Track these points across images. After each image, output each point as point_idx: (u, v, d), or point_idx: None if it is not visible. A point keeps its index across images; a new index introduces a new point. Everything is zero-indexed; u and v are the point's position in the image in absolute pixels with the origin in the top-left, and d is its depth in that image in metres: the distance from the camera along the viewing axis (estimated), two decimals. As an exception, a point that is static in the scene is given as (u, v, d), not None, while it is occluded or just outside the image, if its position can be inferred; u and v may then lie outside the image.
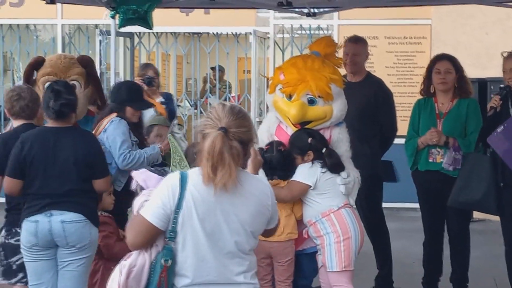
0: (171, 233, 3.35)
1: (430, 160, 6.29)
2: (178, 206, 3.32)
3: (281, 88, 5.48)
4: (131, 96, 5.95)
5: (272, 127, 5.63)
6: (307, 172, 5.31)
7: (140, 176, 3.84)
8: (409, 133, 6.47)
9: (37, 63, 6.04)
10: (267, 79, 5.77)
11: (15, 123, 5.49)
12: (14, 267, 5.40)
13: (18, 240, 5.25)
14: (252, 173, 3.68)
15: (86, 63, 6.10)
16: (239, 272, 3.38)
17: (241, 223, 3.35)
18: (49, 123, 5.18)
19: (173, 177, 3.39)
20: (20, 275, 5.38)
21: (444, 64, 6.36)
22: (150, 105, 6.45)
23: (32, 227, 5.01)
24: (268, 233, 3.60)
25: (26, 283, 5.34)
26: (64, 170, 5.07)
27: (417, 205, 6.60)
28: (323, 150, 5.32)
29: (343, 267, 5.20)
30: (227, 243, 3.35)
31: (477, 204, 6.01)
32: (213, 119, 3.37)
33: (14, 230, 5.34)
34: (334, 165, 5.33)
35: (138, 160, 5.70)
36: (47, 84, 5.51)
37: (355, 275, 5.34)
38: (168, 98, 8.17)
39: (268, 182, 3.62)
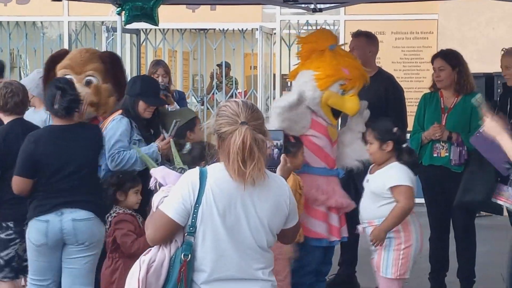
0: (191, 228, 3.36)
1: (435, 155, 6.29)
2: (198, 201, 3.34)
3: (342, 84, 5.58)
4: (144, 90, 5.78)
5: (305, 120, 5.62)
6: (407, 175, 5.07)
7: (159, 173, 3.85)
8: (414, 127, 6.49)
9: (59, 56, 6.04)
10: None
11: (5, 119, 5.48)
12: (1, 262, 5.40)
13: (8, 235, 5.28)
14: None
15: (107, 59, 6.06)
16: (258, 268, 3.39)
17: (260, 218, 3.37)
18: (56, 121, 5.18)
19: (192, 173, 3.41)
20: (7, 270, 5.38)
21: (437, 62, 6.41)
22: (164, 102, 6.30)
23: (42, 227, 5.01)
24: (287, 236, 3.58)
25: (11, 278, 5.38)
26: (77, 168, 5.08)
27: (422, 200, 6.60)
28: (404, 145, 5.20)
29: (398, 275, 5.08)
30: (247, 238, 3.36)
31: (482, 204, 6.00)
32: (230, 115, 3.38)
33: (4, 225, 5.36)
34: (413, 165, 5.17)
35: (128, 161, 5.56)
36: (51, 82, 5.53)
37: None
38: (181, 97, 8.11)
39: (284, 179, 3.60)
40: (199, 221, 3.35)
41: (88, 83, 5.86)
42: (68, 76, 5.71)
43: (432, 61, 6.47)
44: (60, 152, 5.07)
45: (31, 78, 6.72)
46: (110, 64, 6.04)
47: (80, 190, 5.06)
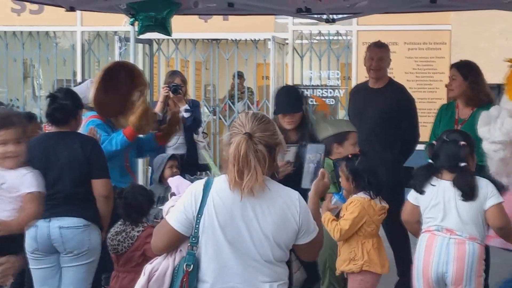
0: (193, 239, 3.37)
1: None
2: (200, 212, 3.35)
3: None
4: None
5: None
6: None
7: (174, 183, 3.89)
8: (431, 138, 6.46)
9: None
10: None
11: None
12: None
13: None
14: (314, 198, 3.72)
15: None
16: (264, 281, 3.37)
17: (263, 232, 3.34)
18: (50, 129, 5.24)
19: (198, 184, 3.43)
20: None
21: (451, 71, 6.44)
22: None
23: (32, 232, 5.01)
24: (303, 251, 3.55)
25: None
26: (63, 174, 5.10)
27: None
28: None
29: None
30: (251, 251, 3.35)
31: None
32: (238, 126, 3.40)
33: None
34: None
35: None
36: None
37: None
38: (194, 105, 8.14)
39: (297, 193, 3.51)
40: (201, 231, 3.36)
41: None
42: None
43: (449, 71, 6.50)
44: (45, 158, 5.10)
45: (84, 86, 6.81)
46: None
47: (69, 198, 5.07)
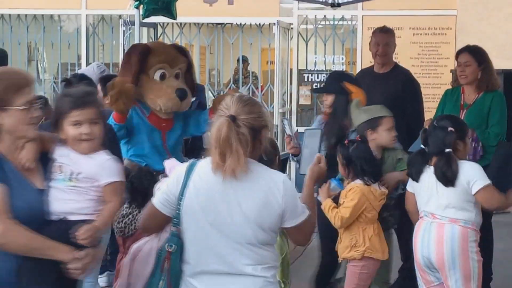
0: (175, 220, 3.40)
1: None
2: (181, 193, 3.37)
3: None
4: None
5: None
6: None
7: (168, 165, 3.90)
8: (431, 123, 6.45)
9: (147, 51, 5.85)
10: None
11: None
12: None
13: None
14: (308, 182, 3.70)
15: (185, 52, 5.96)
16: (247, 264, 3.36)
17: (245, 214, 3.33)
18: None
19: (183, 166, 3.46)
20: None
21: (464, 56, 6.33)
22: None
23: None
24: (293, 235, 3.54)
25: None
26: None
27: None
28: None
29: None
30: (232, 233, 3.34)
31: None
32: (223, 109, 3.39)
33: None
34: None
35: None
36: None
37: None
38: (199, 89, 8.09)
39: (283, 175, 3.49)
40: (183, 212, 3.38)
41: (177, 77, 5.77)
42: (163, 71, 5.63)
43: (457, 56, 6.41)
44: None
45: (91, 70, 6.78)
46: (189, 56, 5.95)
47: None
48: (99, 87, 6.32)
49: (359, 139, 5.30)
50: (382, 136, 5.35)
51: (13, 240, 3.24)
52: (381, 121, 5.38)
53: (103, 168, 3.56)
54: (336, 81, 5.71)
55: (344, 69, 11.65)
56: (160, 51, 5.74)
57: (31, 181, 3.42)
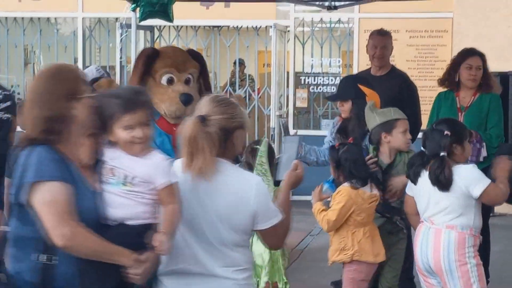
0: None
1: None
2: None
3: None
4: None
5: None
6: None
7: None
8: (428, 126, 6.43)
9: (154, 55, 5.80)
10: None
11: None
12: None
13: None
14: (285, 188, 3.68)
15: (198, 56, 5.94)
16: (219, 265, 3.35)
17: (216, 214, 3.33)
18: None
19: None
20: None
21: (476, 60, 6.31)
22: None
23: None
24: (266, 238, 3.52)
25: None
26: None
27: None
28: None
29: None
30: (204, 234, 3.34)
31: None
32: (196, 109, 3.42)
33: None
34: None
35: None
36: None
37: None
38: None
39: (257, 178, 3.52)
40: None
41: (187, 82, 5.72)
42: (170, 75, 5.57)
43: (465, 58, 6.35)
44: None
45: (90, 73, 6.76)
46: (202, 61, 5.89)
47: None
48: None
49: (351, 141, 5.31)
50: (397, 138, 5.33)
51: (81, 243, 3.15)
52: (396, 124, 5.35)
53: (158, 169, 3.41)
54: (351, 87, 5.73)
55: (341, 72, 11.66)
56: (168, 55, 5.69)
57: (90, 183, 3.34)
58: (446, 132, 4.78)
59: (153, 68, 5.54)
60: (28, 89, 3.29)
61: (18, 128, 5.93)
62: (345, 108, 5.70)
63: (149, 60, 5.59)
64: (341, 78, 5.99)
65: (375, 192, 5.18)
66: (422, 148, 4.92)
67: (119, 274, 3.26)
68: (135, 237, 3.31)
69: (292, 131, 5.82)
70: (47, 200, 3.13)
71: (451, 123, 4.98)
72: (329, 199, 5.21)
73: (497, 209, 8.96)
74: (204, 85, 5.78)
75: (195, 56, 5.77)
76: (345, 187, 5.13)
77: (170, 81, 5.50)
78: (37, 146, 3.19)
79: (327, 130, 6.32)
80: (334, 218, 5.07)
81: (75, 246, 3.15)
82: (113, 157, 3.41)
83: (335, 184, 5.30)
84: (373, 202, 5.16)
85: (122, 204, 3.35)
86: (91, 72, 6.83)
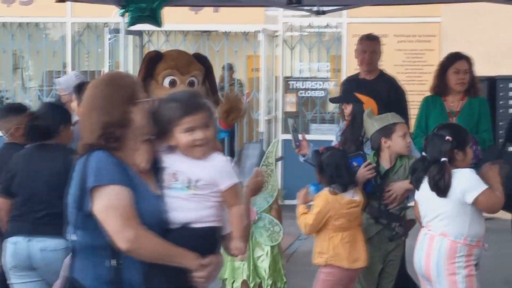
0: None
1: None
2: None
3: None
4: None
5: None
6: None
7: None
8: (416, 131, 6.44)
9: (157, 57, 5.77)
10: None
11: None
12: None
13: None
14: (247, 194, 3.63)
15: (204, 60, 5.89)
16: None
17: None
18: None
19: None
20: None
21: (463, 64, 6.32)
22: None
23: (11, 248, 4.82)
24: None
25: None
26: (45, 191, 4.81)
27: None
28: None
29: None
30: None
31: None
32: None
33: None
34: None
35: None
36: None
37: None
38: None
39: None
40: None
41: (191, 85, 5.69)
42: (172, 77, 5.54)
43: (452, 62, 6.36)
44: (27, 172, 4.86)
45: (70, 80, 6.76)
46: (207, 65, 5.86)
47: (52, 215, 4.68)
48: (74, 96, 6.25)
49: (337, 146, 5.34)
50: (397, 142, 5.33)
51: (145, 246, 3.11)
52: (395, 128, 5.36)
53: (221, 171, 3.37)
54: (352, 90, 5.76)
55: (329, 77, 11.69)
56: (171, 58, 5.65)
57: (149, 187, 3.30)
58: (447, 137, 4.74)
59: (155, 70, 5.52)
60: (85, 98, 3.24)
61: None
62: (348, 111, 5.72)
63: (152, 62, 5.56)
64: (343, 80, 5.99)
65: (357, 198, 5.19)
66: (423, 153, 4.90)
67: (184, 278, 3.22)
68: (199, 240, 3.28)
69: (300, 135, 5.79)
70: (109, 204, 3.09)
71: (453, 129, 4.93)
72: (312, 203, 5.25)
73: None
74: (210, 89, 5.76)
75: (201, 59, 5.74)
76: (324, 192, 5.16)
77: (172, 84, 5.47)
78: (94, 151, 3.16)
79: (315, 135, 6.34)
80: (311, 222, 5.13)
81: (140, 249, 3.10)
82: (174, 162, 3.37)
83: (321, 187, 5.32)
84: (353, 208, 5.17)
85: (187, 208, 3.31)
86: (71, 79, 6.80)
